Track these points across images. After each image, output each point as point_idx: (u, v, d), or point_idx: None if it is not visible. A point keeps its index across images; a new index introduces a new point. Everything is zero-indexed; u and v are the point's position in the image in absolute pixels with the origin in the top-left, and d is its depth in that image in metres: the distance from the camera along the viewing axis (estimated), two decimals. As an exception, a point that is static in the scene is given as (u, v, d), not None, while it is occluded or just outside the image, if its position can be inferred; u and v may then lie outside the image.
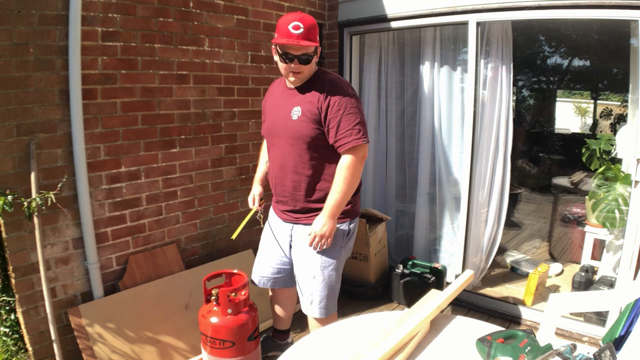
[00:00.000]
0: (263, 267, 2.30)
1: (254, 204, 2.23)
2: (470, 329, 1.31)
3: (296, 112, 1.92)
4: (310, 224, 1.99)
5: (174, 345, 2.44)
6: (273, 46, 1.90)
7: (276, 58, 1.91)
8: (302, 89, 1.95)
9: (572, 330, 2.76)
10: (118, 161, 2.41)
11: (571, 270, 3.50)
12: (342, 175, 1.87)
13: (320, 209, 1.96)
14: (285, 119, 1.96)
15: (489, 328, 1.31)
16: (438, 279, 3.20)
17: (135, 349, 2.30)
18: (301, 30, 1.76)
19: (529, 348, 1.18)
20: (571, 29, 5.09)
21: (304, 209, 2.04)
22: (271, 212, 2.27)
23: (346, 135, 1.84)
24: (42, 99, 2.11)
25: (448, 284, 3.31)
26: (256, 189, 2.28)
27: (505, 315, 3.06)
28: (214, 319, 2.10)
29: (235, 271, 2.30)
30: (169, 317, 2.47)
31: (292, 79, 1.91)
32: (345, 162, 1.87)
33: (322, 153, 1.95)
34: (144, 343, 2.34)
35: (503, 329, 1.32)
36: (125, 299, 2.39)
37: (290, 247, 2.15)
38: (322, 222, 1.89)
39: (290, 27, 1.76)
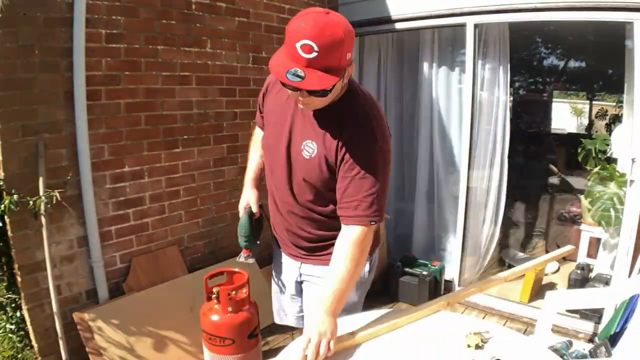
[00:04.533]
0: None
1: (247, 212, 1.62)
2: (467, 326, 1.35)
3: (309, 149, 1.36)
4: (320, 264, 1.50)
5: (180, 345, 2.46)
6: None
7: None
8: (324, 112, 1.33)
9: (568, 327, 2.80)
10: (122, 161, 2.44)
11: (567, 268, 3.54)
12: (350, 255, 1.29)
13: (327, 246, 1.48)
14: (293, 151, 1.41)
15: (485, 325, 1.35)
16: (436, 277, 3.24)
17: (141, 350, 2.32)
18: (314, 55, 1.10)
19: None
20: (567, 31, 5.14)
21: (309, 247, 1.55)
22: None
23: (351, 207, 1.31)
24: (47, 100, 2.14)
25: (446, 281, 3.36)
26: (250, 194, 1.66)
27: (502, 312, 3.11)
28: (214, 317, 2.13)
29: (236, 269, 2.33)
30: (174, 319, 2.49)
31: (301, 106, 1.32)
32: (354, 237, 1.30)
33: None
34: (149, 344, 2.36)
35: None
36: (130, 304, 2.41)
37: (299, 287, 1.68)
38: (320, 320, 1.21)
39: (298, 46, 1.11)
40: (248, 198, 1.66)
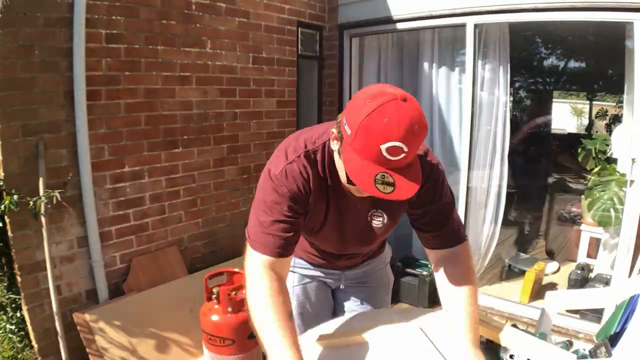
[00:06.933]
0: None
1: None
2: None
3: (379, 219, 1.36)
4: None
5: (180, 345, 2.46)
6: (335, 132, 1.04)
7: (339, 163, 1.10)
8: None
9: (568, 327, 2.80)
10: (122, 161, 2.44)
11: (567, 268, 3.54)
12: (469, 270, 1.22)
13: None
14: (362, 228, 1.36)
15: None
16: (436, 278, 3.24)
17: (141, 351, 2.32)
18: (402, 156, 0.92)
19: None
20: (567, 31, 5.14)
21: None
22: (301, 264, 1.56)
23: (448, 233, 1.26)
24: (47, 100, 2.14)
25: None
26: None
27: (502, 312, 3.11)
28: (214, 317, 2.14)
29: (236, 270, 2.33)
30: (174, 320, 2.49)
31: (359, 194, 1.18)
32: (465, 253, 1.25)
33: None
34: (150, 345, 2.36)
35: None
36: (130, 304, 2.41)
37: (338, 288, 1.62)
38: (473, 357, 1.08)
39: (383, 148, 0.91)
40: None
